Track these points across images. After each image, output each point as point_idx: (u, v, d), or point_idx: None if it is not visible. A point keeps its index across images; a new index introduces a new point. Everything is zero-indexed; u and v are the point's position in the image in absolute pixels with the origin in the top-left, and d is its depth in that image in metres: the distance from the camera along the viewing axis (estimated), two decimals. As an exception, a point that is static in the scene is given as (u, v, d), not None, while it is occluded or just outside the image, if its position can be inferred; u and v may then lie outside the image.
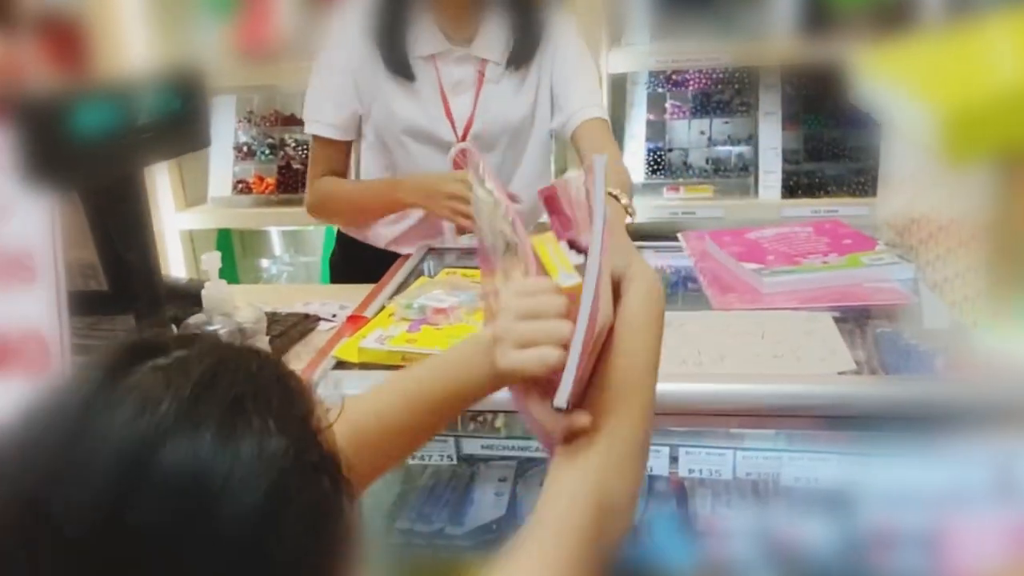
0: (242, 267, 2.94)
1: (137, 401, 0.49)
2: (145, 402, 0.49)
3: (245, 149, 2.67)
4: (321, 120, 1.67)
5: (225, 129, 2.66)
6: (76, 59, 2.54)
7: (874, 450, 1.20)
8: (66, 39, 2.60)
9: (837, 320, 1.24)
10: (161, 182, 2.63)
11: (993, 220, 1.12)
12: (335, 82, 1.66)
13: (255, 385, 0.53)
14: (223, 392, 0.51)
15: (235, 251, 2.91)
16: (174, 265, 2.68)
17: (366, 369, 1.14)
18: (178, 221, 2.69)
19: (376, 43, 1.60)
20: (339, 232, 1.85)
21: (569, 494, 0.67)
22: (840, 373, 1.10)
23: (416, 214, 1.68)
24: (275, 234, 2.99)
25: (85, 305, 1.33)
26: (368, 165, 1.73)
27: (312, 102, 1.69)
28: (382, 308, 1.33)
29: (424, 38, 1.61)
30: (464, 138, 1.64)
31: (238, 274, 2.91)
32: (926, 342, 1.21)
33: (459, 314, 1.19)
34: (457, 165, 1.61)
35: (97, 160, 1.04)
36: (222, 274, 2.62)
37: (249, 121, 2.72)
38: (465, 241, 1.61)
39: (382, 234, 1.72)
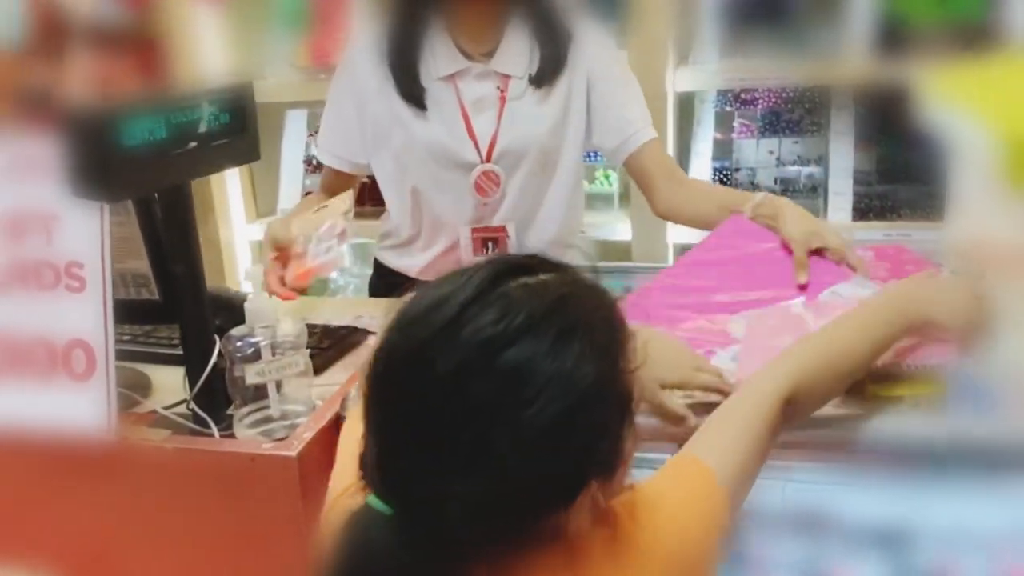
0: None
1: (503, 307, 0.67)
2: (508, 310, 0.66)
3: (315, 162, 2.68)
4: (321, 146, 1.68)
5: (296, 142, 2.69)
6: (154, 71, 2.61)
7: (934, 488, 1.14)
8: (145, 52, 2.67)
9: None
10: (233, 193, 2.68)
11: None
12: (345, 112, 1.64)
13: (590, 319, 0.70)
14: (564, 317, 0.68)
15: (304, 262, 2.94)
16: (243, 274, 2.72)
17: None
18: (249, 231, 2.73)
19: (390, 67, 1.56)
20: (375, 258, 1.84)
21: (764, 391, 0.91)
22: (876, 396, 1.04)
23: (439, 246, 1.66)
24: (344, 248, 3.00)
25: (138, 314, 1.35)
26: (391, 198, 1.70)
27: (323, 129, 1.68)
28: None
29: (441, 58, 1.55)
30: (489, 158, 1.58)
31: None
32: (990, 375, 1.13)
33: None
34: (480, 187, 1.59)
35: (144, 172, 1.04)
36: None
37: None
38: None
39: (409, 264, 1.71)
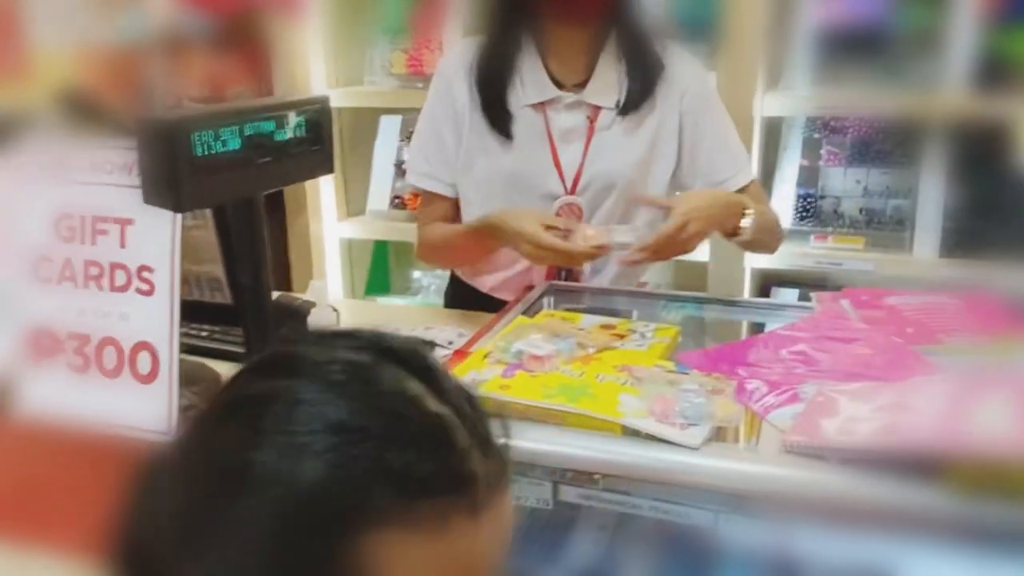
0: (395, 277, 2.95)
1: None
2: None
3: (403, 166, 2.67)
4: (421, 171, 1.59)
5: (388, 147, 2.67)
6: (261, 76, 2.63)
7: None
8: (253, 56, 2.70)
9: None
10: (325, 191, 2.67)
11: None
12: (437, 133, 1.56)
13: None
14: None
15: (389, 261, 2.93)
16: (331, 272, 2.73)
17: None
18: (339, 230, 2.72)
19: (479, 90, 1.49)
20: (451, 272, 1.78)
21: None
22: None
23: (516, 266, 1.57)
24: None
25: (209, 315, 1.33)
26: (470, 221, 1.61)
27: (415, 151, 1.61)
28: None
29: (531, 85, 1.48)
30: (573, 190, 1.50)
31: (391, 283, 2.92)
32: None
33: (555, 363, 1.10)
34: None
35: (214, 182, 1.01)
36: (375, 283, 2.67)
37: (410, 140, 2.71)
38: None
39: (485, 280, 1.64)
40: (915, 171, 2.22)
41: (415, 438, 0.53)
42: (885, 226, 2.22)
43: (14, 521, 1.26)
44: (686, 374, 1.11)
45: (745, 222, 1.41)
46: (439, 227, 1.60)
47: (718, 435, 1.02)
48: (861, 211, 2.26)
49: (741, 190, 1.52)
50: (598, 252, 1.35)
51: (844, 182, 2.29)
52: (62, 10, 3.11)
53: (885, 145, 2.29)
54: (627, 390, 1.05)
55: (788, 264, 2.20)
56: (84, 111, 2.31)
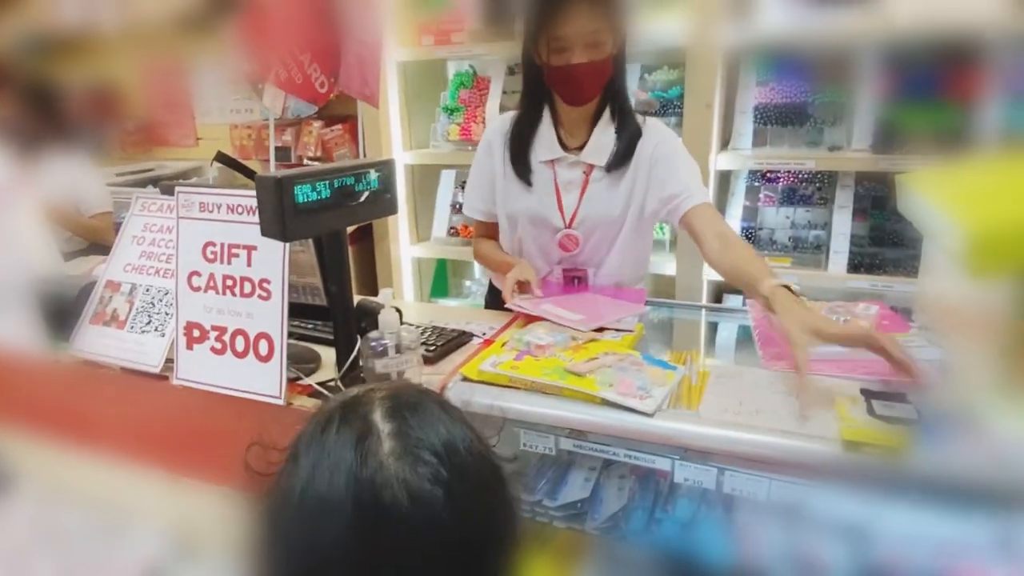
0: (452, 285, 2.96)
1: None
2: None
3: (458, 206, 2.67)
4: (472, 206, 1.63)
5: (447, 191, 2.67)
6: (356, 143, 2.64)
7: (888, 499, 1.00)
8: (351, 131, 2.72)
9: (864, 391, 1.04)
10: (403, 225, 2.69)
11: (1008, 325, 0.89)
12: (482, 179, 1.59)
13: None
14: None
15: (448, 274, 2.93)
16: (406, 282, 2.74)
17: (482, 384, 1.07)
18: (411, 251, 2.73)
19: (509, 150, 1.51)
20: (489, 281, 1.78)
21: None
22: (847, 441, 0.91)
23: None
24: (475, 264, 2.99)
25: (311, 313, 1.34)
26: (504, 242, 1.64)
27: (468, 191, 1.63)
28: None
29: (544, 147, 1.48)
30: (570, 225, 1.50)
31: (449, 289, 2.93)
32: (940, 419, 0.98)
33: (553, 350, 1.10)
34: (563, 244, 1.51)
35: (311, 220, 1.02)
36: (437, 289, 2.63)
37: (461, 188, 2.71)
38: None
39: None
40: (829, 209, 2.17)
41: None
42: (807, 250, 2.17)
43: (177, 459, 1.29)
44: (645, 361, 1.10)
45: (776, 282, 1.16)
46: (484, 243, 1.66)
47: (671, 404, 1.01)
48: (789, 239, 2.21)
49: (697, 208, 1.42)
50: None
51: (777, 218, 2.25)
52: (218, 97, 3.17)
53: (807, 191, 2.24)
54: (603, 372, 1.05)
55: (734, 278, 2.17)
56: (230, 167, 2.35)
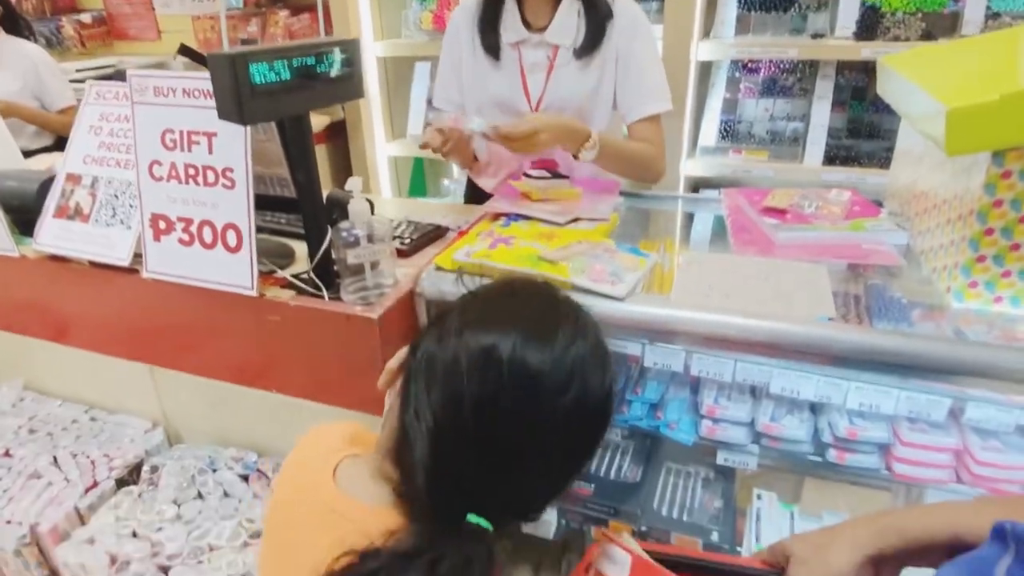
0: (430, 183, 2.89)
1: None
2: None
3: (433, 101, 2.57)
4: (440, 96, 1.56)
5: (421, 85, 2.55)
6: (325, 33, 2.49)
7: (847, 375, 1.02)
8: (318, 20, 2.55)
9: (834, 273, 1.03)
10: (376, 121, 2.59)
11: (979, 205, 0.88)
12: (449, 67, 1.52)
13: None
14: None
15: (426, 172, 2.86)
16: (382, 180, 2.67)
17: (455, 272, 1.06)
18: (387, 149, 2.64)
19: (479, 31, 1.43)
20: (467, 177, 1.73)
21: None
22: (821, 318, 0.92)
23: (500, 173, 1.54)
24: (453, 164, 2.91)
25: (280, 206, 1.30)
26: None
27: (437, 83, 1.57)
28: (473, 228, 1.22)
29: (511, 28, 1.41)
30: (536, 109, 1.43)
31: (427, 188, 2.87)
32: (906, 298, 0.99)
33: (528, 240, 1.07)
34: None
35: (269, 103, 0.95)
36: (416, 189, 2.57)
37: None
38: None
39: (486, 183, 1.61)
40: (809, 100, 2.11)
41: None
42: (784, 143, 2.13)
43: (155, 351, 1.29)
44: (617, 248, 1.08)
45: (585, 154, 1.30)
46: None
47: (644, 289, 1.01)
48: (767, 132, 2.16)
49: (640, 122, 1.40)
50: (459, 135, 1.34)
51: (756, 110, 2.19)
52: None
53: (787, 81, 2.17)
54: (576, 260, 1.03)
55: (713, 172, 2.13)
56: (195, 60, 2.21)
